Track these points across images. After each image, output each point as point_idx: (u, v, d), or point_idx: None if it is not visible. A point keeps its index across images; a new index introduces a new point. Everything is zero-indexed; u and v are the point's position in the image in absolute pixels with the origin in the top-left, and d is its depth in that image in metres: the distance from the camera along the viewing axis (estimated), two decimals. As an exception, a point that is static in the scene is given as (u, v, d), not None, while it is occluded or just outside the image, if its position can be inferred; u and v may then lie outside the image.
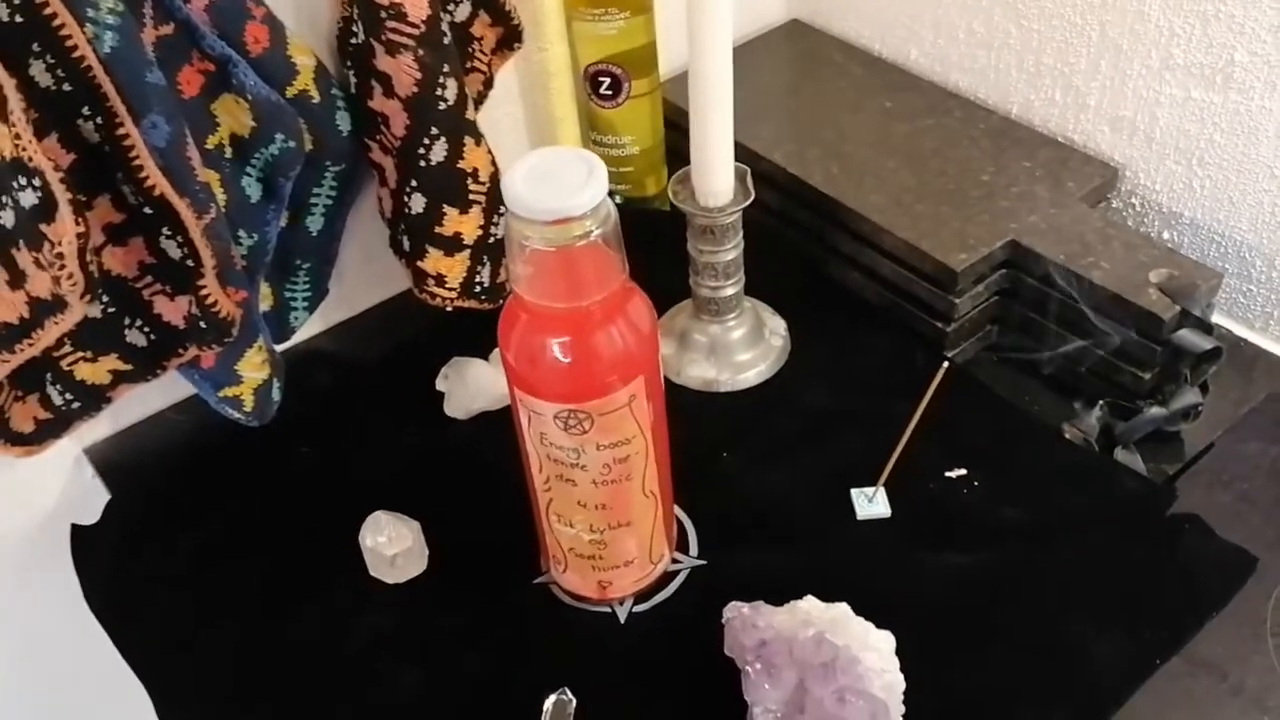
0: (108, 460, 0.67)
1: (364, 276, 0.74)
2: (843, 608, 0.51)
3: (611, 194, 0.56)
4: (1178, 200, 0.70)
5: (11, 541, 0.68)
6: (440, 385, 0.67)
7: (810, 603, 0.51)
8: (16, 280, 0.53)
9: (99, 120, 0.52)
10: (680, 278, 0.68)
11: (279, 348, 0.69)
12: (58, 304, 0.53)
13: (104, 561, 0.61)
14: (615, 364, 0.47)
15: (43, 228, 0.51)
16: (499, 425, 0.63)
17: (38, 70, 0.50)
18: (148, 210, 0.55)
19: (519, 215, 0.44)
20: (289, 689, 0.54)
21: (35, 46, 0.49)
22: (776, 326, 0.70)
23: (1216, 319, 0.64)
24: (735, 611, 0.52)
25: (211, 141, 0.58)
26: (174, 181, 0.54)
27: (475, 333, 0.68)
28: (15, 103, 0.49)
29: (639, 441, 0.50)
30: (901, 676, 0.48)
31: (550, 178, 0.44)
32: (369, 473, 0.64)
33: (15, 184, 0.50)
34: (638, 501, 0.52)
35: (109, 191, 0.55)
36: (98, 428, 0.67)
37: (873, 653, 0.48)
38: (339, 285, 0.72)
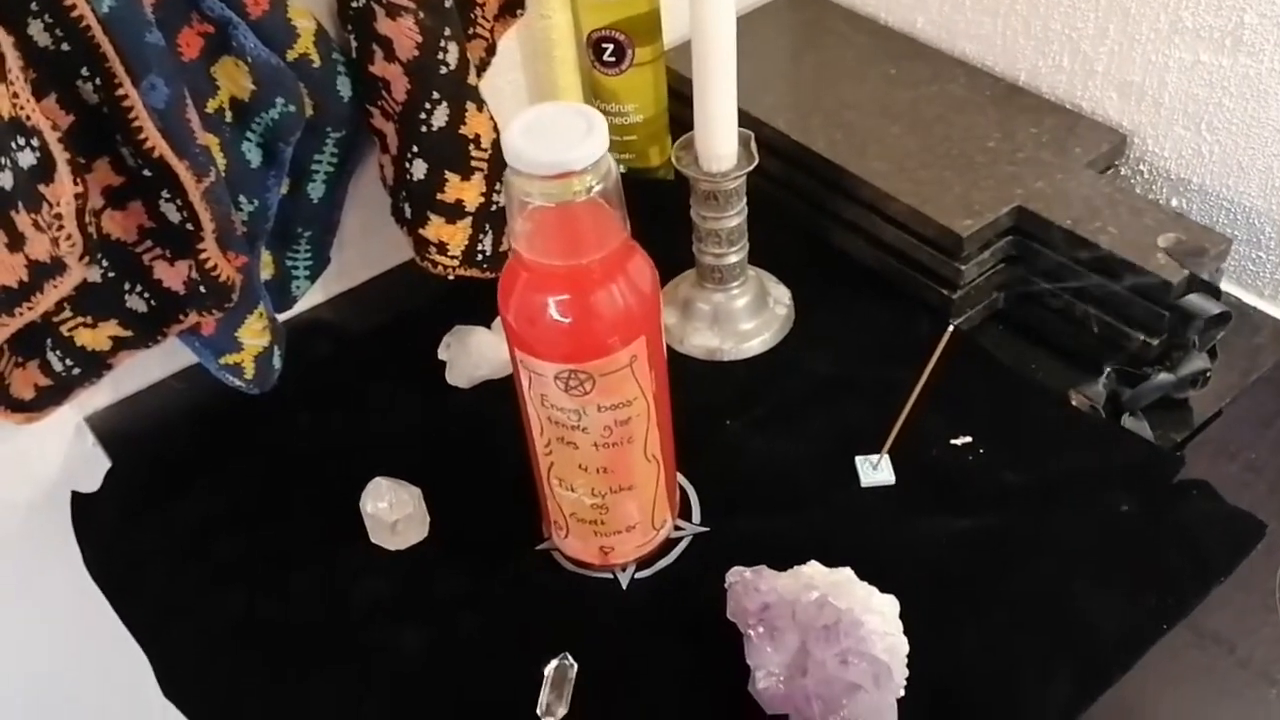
0: (108, 429, 0.67)
1: (365, 247, 0.74)
2: (846, 572, 0.50)
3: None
4: (1186, 166, 0.69)
5: (13, 509, 0.68)
6: (442, 354, 0.67)
7: (813, 567, 0.51)
8: (15, 243, 0.53)
9: (98, 81, 0.52)
10: (684, 248, 0.68)
11: (280, 317, 0.69)
12: (56, 267, 0.53)
13: (104, 529, 0.61)
14: (616, 324, 0.47)
15: (41, 188, 0.51)
16: (501, 394, 0.63)
17: (36, 29, 0.50)
18: (147, 173, 0.54)
19: (518, 170, 0.43)
20: (290, 654, 0.54)
21: (33, 5, 0.49)
22: (780, 295, 0.70)
23: (1225, 287, 0.63)
24: (738, 576, 0.51)
25: (211, 105, 0.58)
26: (173, 144, 0.53)
27: (477, 302, 0.67)
28: (13, 61, 0.48)
29: (640, 404, 0.50)
30: (905, 639, 0.48)
31: (550, 132, 0.43)
32: (370, 440, 0.64)
33: (14, 144, 0.49)
34: (639, 465, 0.52)
35: (108, 154, 0.55)
36: (98, 396, 0.67)
37: (876, 615, 0.48)
38: (340, 256, 0.72)
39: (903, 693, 0.47)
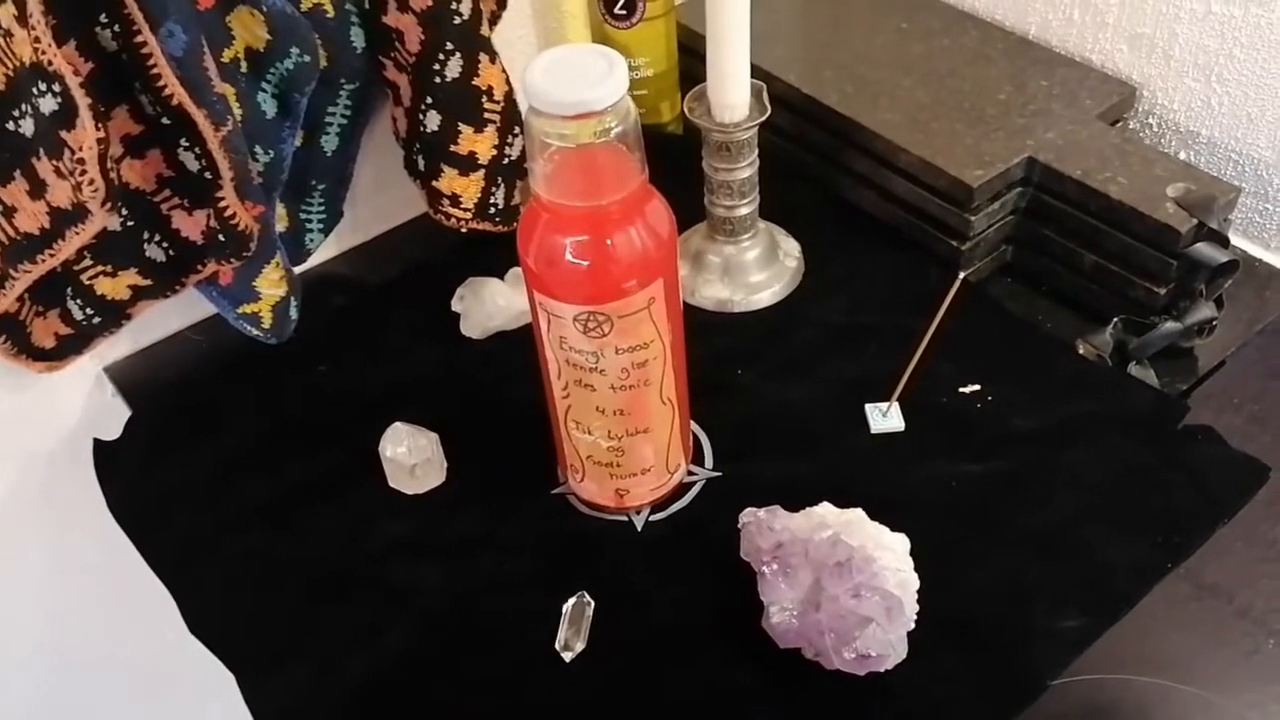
0: (128, 379, 0.68)
1: (379, 201, 0.74)
2: (857, 512, 0.51)
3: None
4: (1195, 119, 0.69)
5: (35, 458, 0.69)
6: (456, 306, 0.68)
7: (825, 508, 0.52)
8: (37, 190, 0.53)
9: (116, 28, 0.52)
10: (695, 202, 0.68)
11: (295, 270, 0.69)
12: (78, 213, 0.54)
13: (127, 473, 0.62)
14: (634, 266, 0.47)
15: (63, 134, 0.51)
16: (515, 344, 0.64)
17: (54, -26, 0.50)
18: (166, 121, 0.55)
19: (539, 110, 0.44)
20: (309, 593, 0.55)
21: (52, -50, 0.49)
22: (791, 248, 0.70)
23: (1232, 239, 0.64)
24: (751, 516, 0.52)
25: (227, 55, 0.58)
26: (191, 91, 0.54)
27: (491, 255, 0.68)
28: (34, 6, 0.49)
29: (657, 346, 0.50)
30: (915, 575, 0.49)
31: (570, 73, 0.44)
32: (387, 389, 0.65)
33: (35, 90, 0.50)
34: (656, 408, 0.53)
35: (127, 102, 0.55)
36: (118, 347, 0.68)
37: (887, 552, 0.49)
38: (353, 210, 0.72)
39: (913, 626, 0.48)
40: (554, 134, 0.44)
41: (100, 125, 0.52)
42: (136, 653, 0.81)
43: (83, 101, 0.51)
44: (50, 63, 0.50)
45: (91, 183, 0.52)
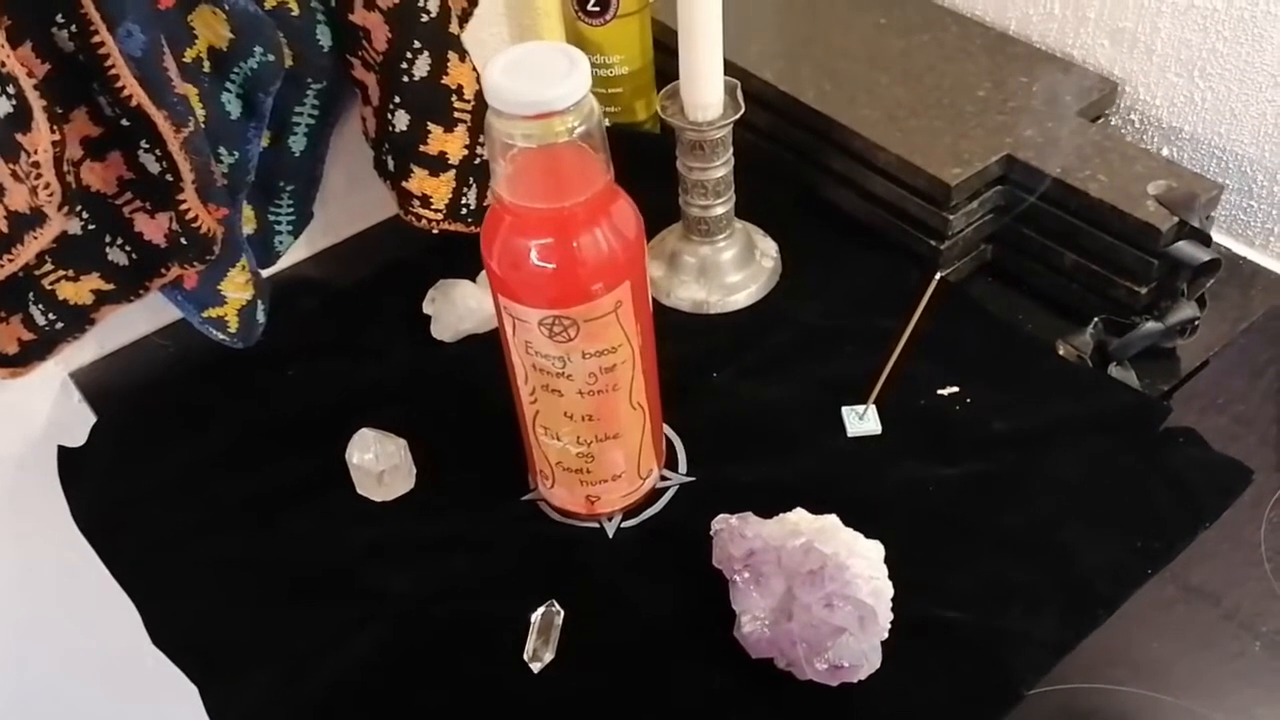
0: (93, 384, 0.67)
1: (349, 202, 0.73)
2: (831, 519, 0.50)
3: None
4: (1178, 114, 0.68)
5: (2, 464, 0.68)
6: (427, 308, 0.67)
7: (799, 514, 0.51)
8: (-7, 194, 0.52)
9: (73, 28, 0.51)
10: (671, 201, 0.67)
11: (265, 273, 0.68)
12: (36, 217, 0.53)
13: (91, 482, 0.61)
14: (600, 268, 0.46)
15: (18, 137, 0.50)
16: (486, 347, 0.63)
17: (7, -26, 0.49)
18: (125, 122, 0.54)
19: (499, 111, 0.43)
20: (276, 600, 0.54)
21: (5, -51, 0.48)
22: (767, 248, 0.69)
23: (1215, 236, 0.63)
24: (723, 523, 0.51)
25: (189, 54, 0.57)
26: (151, 92, 0.53)
27: (462, 256, 0.67)
28: (-15, 7, 0.48)
29: (626, 350, 0.49)
30: (889, 583, 0.48)
31: (531, 71, 0.43)
32: (356, 394, 0.64)
33: (-12, 92, 0.49)
34: (625, 413, 0.52)
35: (86, 104, 0.54)
36: (83, 352, 0.67)
37: (861, 560, 0.48)
38: (323, 211, 0.71)
39: (887, 635, 0.47)
40: (515, 134, 0.43)
41: (56, 128, 0.51)
42: (104, 660, 0.80)
43: (37, 104, 0.50)
44: (3, 64, 0.48)
45: (47, 186, 0.51)
